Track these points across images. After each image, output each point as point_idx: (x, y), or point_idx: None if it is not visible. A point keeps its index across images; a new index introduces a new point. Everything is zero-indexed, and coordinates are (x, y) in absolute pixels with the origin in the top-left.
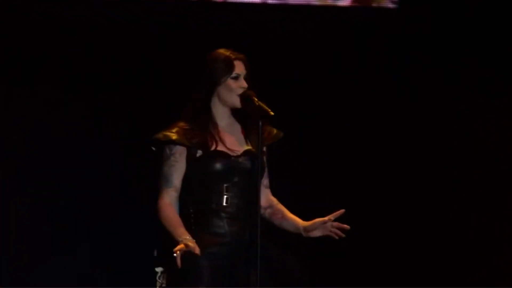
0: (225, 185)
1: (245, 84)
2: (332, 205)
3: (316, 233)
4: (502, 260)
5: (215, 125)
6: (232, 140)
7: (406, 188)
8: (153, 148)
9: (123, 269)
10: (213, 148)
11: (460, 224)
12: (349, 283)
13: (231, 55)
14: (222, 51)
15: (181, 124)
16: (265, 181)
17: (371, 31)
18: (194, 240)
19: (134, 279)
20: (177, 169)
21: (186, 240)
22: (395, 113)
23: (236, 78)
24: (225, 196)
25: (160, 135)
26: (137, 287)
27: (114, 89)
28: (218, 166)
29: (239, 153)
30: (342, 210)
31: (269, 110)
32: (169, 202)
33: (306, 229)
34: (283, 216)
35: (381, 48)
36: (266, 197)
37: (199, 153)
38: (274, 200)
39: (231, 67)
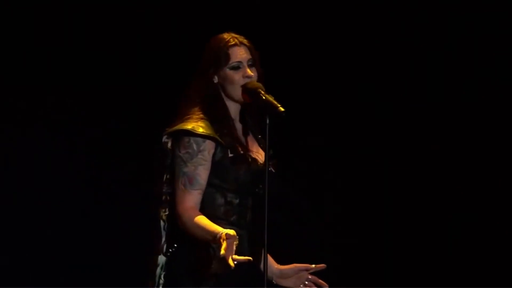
0: (250, 197)
1: (249, 73)
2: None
3: (288, 282)
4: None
5: (233, 125)
6: (250, 144)
7: (405, 188)
8: (167, 143)
9: (122, 269)
10: (241, 151)
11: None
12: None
13: (228, 41)
14: (220, 36)
15: (201, 115)
16: None
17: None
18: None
19: (134, 279)
20: (205, 169)
21: (224, 234)
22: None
23: (236, 67)
24: (249, 211)
25: (187, 126)
26: (136, 287)
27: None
28: (247, 173)
29: (261, 161)
30: (324, 265)
31: (279, 105)
32: (193, 205)
33: (281, 273)
34: None
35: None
36: None
37: (228, 155)
38: None
39: (226, 56)
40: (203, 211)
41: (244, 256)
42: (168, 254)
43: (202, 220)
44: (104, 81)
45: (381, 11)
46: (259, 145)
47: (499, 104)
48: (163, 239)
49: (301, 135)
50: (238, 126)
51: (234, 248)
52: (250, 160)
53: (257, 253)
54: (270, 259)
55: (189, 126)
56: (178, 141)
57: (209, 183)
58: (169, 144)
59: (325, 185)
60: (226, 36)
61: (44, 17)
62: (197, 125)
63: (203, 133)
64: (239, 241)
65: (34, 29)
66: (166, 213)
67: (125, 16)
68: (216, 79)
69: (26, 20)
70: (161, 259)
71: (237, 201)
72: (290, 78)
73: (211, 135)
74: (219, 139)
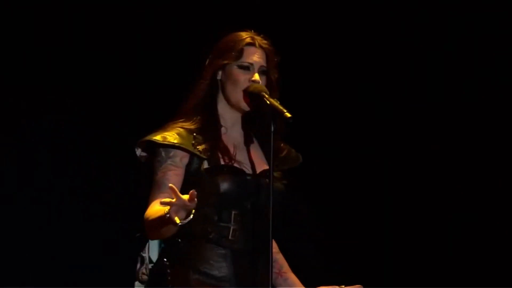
0: (233, 212)
1: (256, 78)
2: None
3: None
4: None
5: (225, 131)
6: (245, 155)
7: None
8: (141, 155)
9: (122, 269)
10: (223, 161)
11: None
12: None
13: (245, 38)
14: (239, 32)
15: (181, 123)
16: None
17: None
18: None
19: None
20: (176, 174)
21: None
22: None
23: (245, 68)
24: (232, 227)
25: (156, 136)
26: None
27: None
28: (229, 186)
29: (255, 172)
30: (360, 286)
31: (285, 110)
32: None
33: None
34: (281, 273)
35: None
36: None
37: (204, 165)
38: (274, 245)
39: (238, 52)
40: (183, 229)
41: (228, 273)
42: (143, 279)
43: (155, 211)
44: (104, 81)
45: (380, 11)
46: (265, 154)
47: (499, 104)
48: (138, 265)
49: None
50: (236, 133)
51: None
52: (234, 171)
53: (243, 275)
54: (295, 278)
55: (157, 136)
56: (152, 154)
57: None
58: (145, 158)
59: (324, 189)
60: (245, 33)
61: (44, 17)
62: (168, 134)
63: (169, 143)
64: (215, 261)
65: (34, 29)
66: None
67: (125, 16)
68: (219, 75)
69: (26, 20)
70: (137, 284)
71: (217, 217)
72: (289, 83)
73: (180, 145)
74: (192, 149)
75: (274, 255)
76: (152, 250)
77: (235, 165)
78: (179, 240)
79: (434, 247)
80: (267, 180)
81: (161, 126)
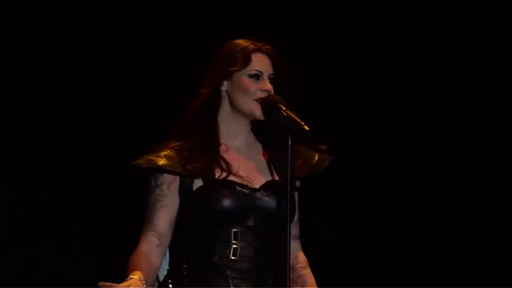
0: (233, 230)
1: (268, 87)
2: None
3: None
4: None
5: (224, 144)
6: (249, 167)
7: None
8: (137, 178)
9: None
10: (219, 176)
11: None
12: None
13: (251, 45)
14: (241, 40)
15: (174, 143)
16: (293, 229)
17: None
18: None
19: None
20: (163, 206)
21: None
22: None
23: (255, 76)
24: (233, 246)
25: (141, 160)
26: None
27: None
28: (225, 202)
29: (258, 186)
30: None
31: (303, 123)
32: (144, 251)
33: None
34: None
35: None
36: (292, 253)
37: (198, 183)
38: (301, 259)
39: (246, 60)
40: (189, 255)
41: None
42: None
43: (131, 267)
44: (104, 81)
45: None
46: (274, 169)
47: (499, 104)
48: None
49: None
50: (240, 144)
51: None
52: (232, 186)
53: None
54: None
55: (142, 160)
56: (145, 176)
57: (185, 218)
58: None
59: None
60: (245, 40)
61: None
62: (155, 156)
63: (153, 166)
64: (217, 282)
65: (33, 29)
66: None
67: (125, 16)
68: (224, 86)
69: (25, 20)
70: None
71: (217, 235)
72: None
73: (168, 168)
74: (179, 170)
75: (300, 270)
76: (160, 272)
77: (232, 179)
78: (184, 263)
79: (434, 248)
80: (270, 192)
81: (155, 145)
